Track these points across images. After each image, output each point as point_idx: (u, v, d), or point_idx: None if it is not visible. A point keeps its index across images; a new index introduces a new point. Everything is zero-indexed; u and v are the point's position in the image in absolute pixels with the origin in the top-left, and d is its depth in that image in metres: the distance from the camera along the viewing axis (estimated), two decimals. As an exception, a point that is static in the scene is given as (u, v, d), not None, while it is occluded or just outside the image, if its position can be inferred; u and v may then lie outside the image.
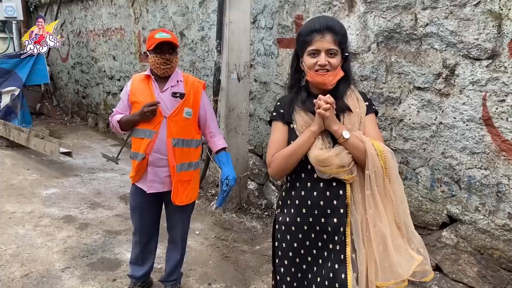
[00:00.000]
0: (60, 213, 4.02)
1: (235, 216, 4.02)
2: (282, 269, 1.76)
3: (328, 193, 1.61)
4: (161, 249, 3.03)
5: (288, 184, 1.73)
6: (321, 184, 1.61)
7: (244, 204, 4.20)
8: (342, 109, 1.62)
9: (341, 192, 1.60)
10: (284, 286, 1.76)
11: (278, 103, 1.76)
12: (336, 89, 1.62)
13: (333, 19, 1.65)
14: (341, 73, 1.61)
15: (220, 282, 2.98)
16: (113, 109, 2.57)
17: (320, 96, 1.54)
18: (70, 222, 3.83)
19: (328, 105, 1.52)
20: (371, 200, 1.55)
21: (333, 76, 1.58)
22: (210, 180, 4.84)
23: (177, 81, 2.46)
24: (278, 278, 1.78)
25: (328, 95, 1.54)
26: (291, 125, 1.68)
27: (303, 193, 1.66)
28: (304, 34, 1.61)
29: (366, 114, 1.66)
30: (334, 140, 1.59)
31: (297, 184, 1.68)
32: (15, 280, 2.88)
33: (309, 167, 1.63)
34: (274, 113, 1.74)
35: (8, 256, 3.19)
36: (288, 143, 1.66)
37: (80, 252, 3.30)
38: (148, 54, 2.40)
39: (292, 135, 1.67)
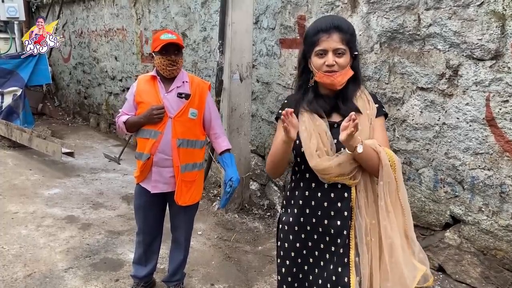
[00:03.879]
0: (63, 213, 4.03)
1: (237, 217, 4.02)
2: (283, 269, 1.74)
3: (332, 195, 1.59)
4: (164, 250, 3.02)
5: (293, 183, 1.72)
6: (326, 185, 1.60)
7: (246, 205, 4.19)
8: (351, 111, 1.56)
9: (346, 194, 1.58)
10: (285, 286, 1.74)
11: (286, 101, 1.75)
12: (345, 89, 1.59)
13: (340, 18, 1.63)
14: (350, 73, 1.58)
15: (223, 282, 2.98)
16: (120, 110, 2.58)
17: (343, 124, 1.44)
18: (73, 222, 3.84)
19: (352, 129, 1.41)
20: (384, 211, 1.52)
21: (342, 76, 1.55)
22: (212, 181, 4.84)
23: (183, 82, 2.46)
24: (279, 278, 1.77)
25: (353, 113, 1.43)
26: None
27: (307, 193, 1.64)
28: (311, 35, 1.58)
29: (376, 116, 1.62)
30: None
31: (301, 184, 1.66)
32: (18, 280, 2.89)
33: None
34: (280, 111, 1.70)
35: (11, 256, 3.19)
36: (294, 143, 1.64)
37: (82, 252, 3.30)
38: (154, 56, 2.41)
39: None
